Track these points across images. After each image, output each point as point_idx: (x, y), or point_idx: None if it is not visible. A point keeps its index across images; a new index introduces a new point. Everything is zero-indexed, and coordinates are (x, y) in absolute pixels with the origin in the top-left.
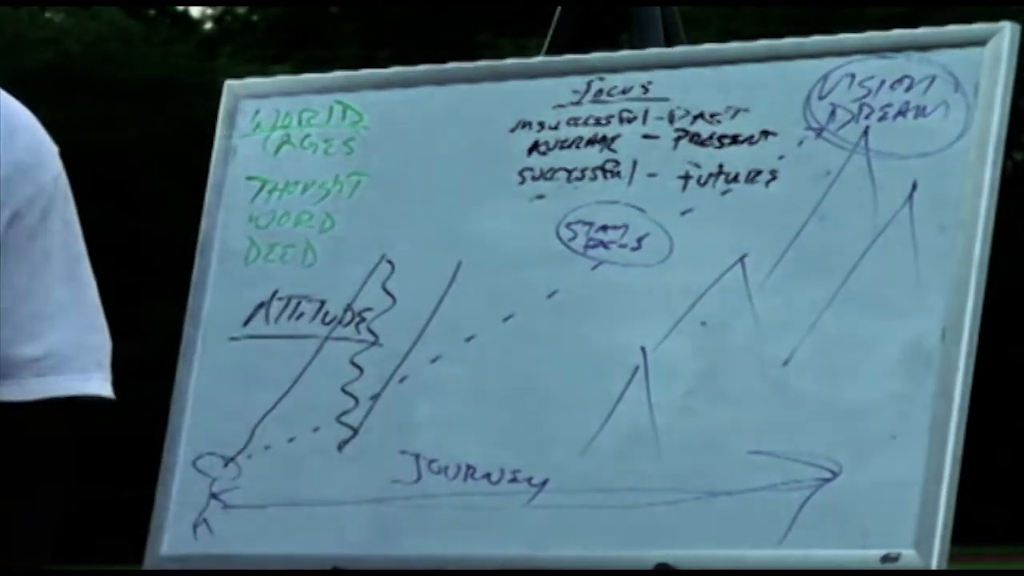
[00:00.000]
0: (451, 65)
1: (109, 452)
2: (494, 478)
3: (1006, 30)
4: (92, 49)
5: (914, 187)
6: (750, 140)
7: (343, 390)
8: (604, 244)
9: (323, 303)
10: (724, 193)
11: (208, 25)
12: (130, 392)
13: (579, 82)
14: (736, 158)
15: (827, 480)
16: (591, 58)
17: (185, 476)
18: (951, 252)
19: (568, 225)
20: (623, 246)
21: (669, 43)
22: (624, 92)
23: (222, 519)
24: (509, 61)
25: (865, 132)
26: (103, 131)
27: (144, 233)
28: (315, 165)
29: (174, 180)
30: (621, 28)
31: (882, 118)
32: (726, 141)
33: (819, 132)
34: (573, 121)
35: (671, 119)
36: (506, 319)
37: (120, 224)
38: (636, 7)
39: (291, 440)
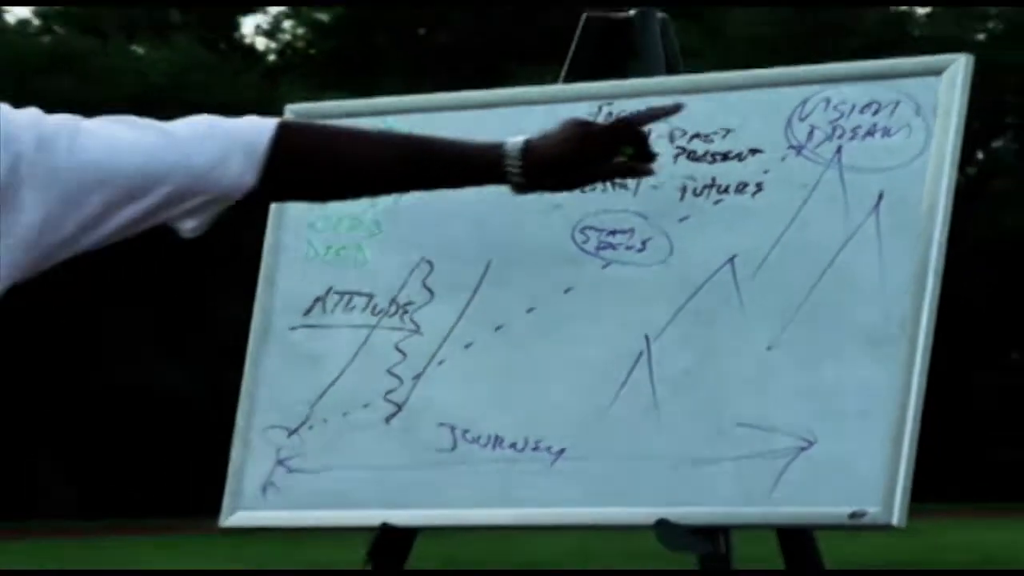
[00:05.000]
0: (481, 92)
1: (192, 428)
2: (519, 446)
3: (961, 61)
4: (173, 80)
5: (880, 197)
6: (739, 157)
7: (389, 372)
8: (612, 246)
9: (371, 297)
10: (716, 203)
11: (272, 57)
12: (210, 375)
13: (592, 107)
14: (727, 172)
15: (804, 448)
16: (602, 86)
17: (256, 445)
18: (911, 253)
19: (581, 230)
20: (629, 248)
21: (670, 72)
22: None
23: (287, 482)
24: (533, 88)
25: (838, 150)
26: None
27: (217, 239)
28: None
29: None
30: (628, 60)
31: (852, 137)
32: (718, 158)
33: (799, 150)
34: None
35: (671, 138)
36: (529, 311)
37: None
38: (642, 41)
39: (345, 415)
